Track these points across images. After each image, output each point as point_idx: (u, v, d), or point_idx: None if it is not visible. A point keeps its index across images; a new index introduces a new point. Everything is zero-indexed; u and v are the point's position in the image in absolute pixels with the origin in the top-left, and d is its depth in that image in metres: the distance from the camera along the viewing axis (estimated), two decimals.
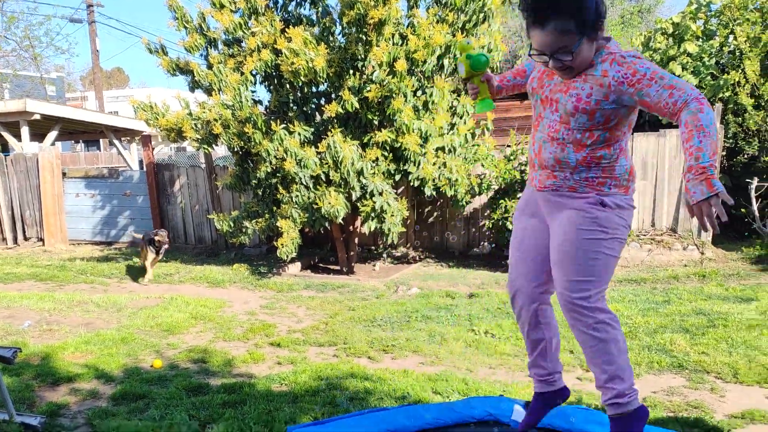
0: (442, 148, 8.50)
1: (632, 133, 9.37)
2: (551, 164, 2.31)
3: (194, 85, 8.77)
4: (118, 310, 7.06)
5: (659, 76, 2.04)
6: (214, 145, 8.85)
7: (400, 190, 9.73)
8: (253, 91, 8.60)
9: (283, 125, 8.04)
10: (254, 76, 8.59)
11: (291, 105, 8.66)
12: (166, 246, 8.70)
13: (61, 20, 63.27)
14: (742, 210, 9.32)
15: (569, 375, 4.65)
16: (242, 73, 8.29)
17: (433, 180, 8.29)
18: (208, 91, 8.64)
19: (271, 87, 8.75)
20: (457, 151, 8.63)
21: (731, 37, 10.12)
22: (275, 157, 7.96)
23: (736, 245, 9.22)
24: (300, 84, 8.15)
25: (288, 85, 8.48)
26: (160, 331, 6.17)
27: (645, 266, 8.42)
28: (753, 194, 9.01)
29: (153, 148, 12.26)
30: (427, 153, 8.17)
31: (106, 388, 4.62)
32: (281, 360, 5.21)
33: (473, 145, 9.01)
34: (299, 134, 8.07)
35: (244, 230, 8.61)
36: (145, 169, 12.02)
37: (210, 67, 8.63)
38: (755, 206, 9.04)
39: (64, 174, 12.69)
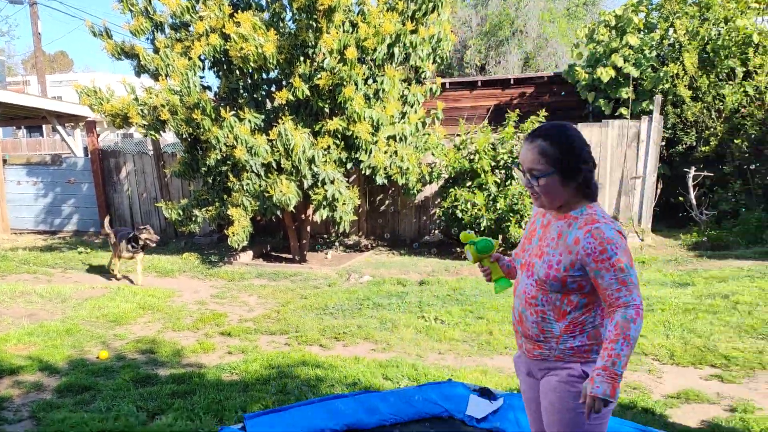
0: (394, 137, 8.56)
1: (576, 124, 9.62)
2: (535, 334, 2.27)
3: (140, 70, 8.56)
4: (62, 300, 6.89)
5: (620, 269, 2.05)
6: (161, 132, 8.68)
7: (351, 179, 9.76)
8: (201, 77, 8.45)
9: (233, 112, 7.95)
10: (203, 61, 8.45)
11: (241, 91, 8.55)
12: (153, 246, 8.02)
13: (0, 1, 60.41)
14: (680, 198, 9.73)
15: None
16: (190, 58, 8.13)
17: (385, 168, 8.35)
18: (155, 76, 8.45)
19: (221, 73, 8.62)
20: (408, 139, 8.71)
21: (671, 30, 10.46)
22: (225, 144, 7.87)
23: (675, 232, 9.62)
24: (250, 70, 8.05)
25: (238, 71, 8.37)
26: (106, 322, 6.06)
27: None
28: (690, 183, 9.40)
29: (98, 135, 11.92)
30: (378, 141, 8.21)
31: (51, 380, 4.53)
32: (232, 349, 5.20)
33: (424, 134, 9.10)
34: (250, 121, 7.99)
35: (193, 219, 8.49)
36: (89, 156, 11.68)
37: (156, 51, 8.43)
38: (692, 195, 9.43)
39: (4, 161, 12.24)
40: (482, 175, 8.53)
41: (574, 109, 11.45)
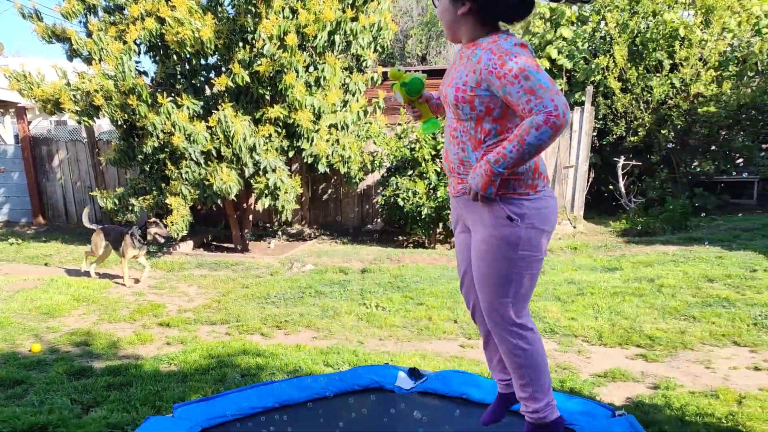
0: (335, 125, 8.57)
1: None
2: (456, 166, 2.27)
3: (73, 54, 8.25)
4: None
5: (524, 76, 1.96)
6: (95, 118, 8.41)
7: (294, 167, 9.72)
8: (137, 62, 8.22)
9: (171, 98, 7.78)
10: (138, 45, 8.21)
11: (179, 77, 8.37)
12: (162, 242, 7.54)
13: None
14: (611, 187, 10.14)
15: (452, 342, 4.95)
16: (125, 42, 7.89)
17: (327, 157, 8.36)
18: (88, 61, 8.17)
19: (158, 58, 8.40)
20: (350, 128, 8.74)
21: (603, 22, 10.82)
22: (162, 131, 7.70)
23: (605, 220, 10.03)
24: (187, 55, 7.90)
25: (175, 57, 8.18)
26: (39, 315, 5.88)
27: None
28: (620, 172, 9.80)
29: (29, 122, 11.44)
30: (320, 130, 8.21)
31: None
32: (171, 340, 5.15)
33: (366, 123, 9.15)
34: (188, 108, 7.83)
35: (130, 208, 8.29)
36: (20, 143, 11.20)
37: (90, 35, 8.15)
38: (622, 183, 9.84)
39: None
40: (423, 164, 8.66)
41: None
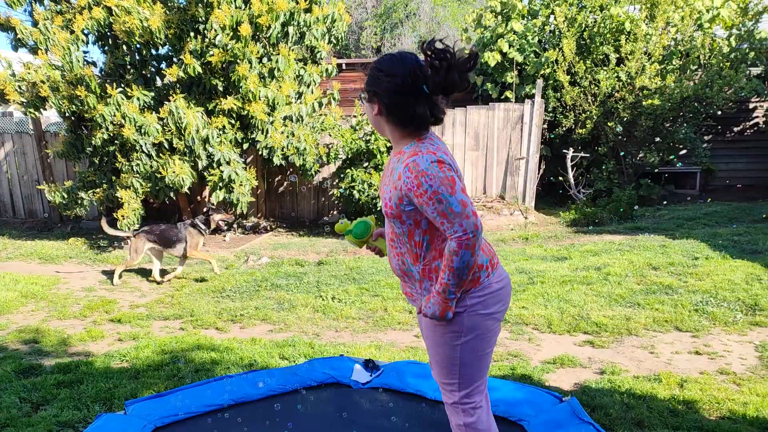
0: (290, 117, 8.53)
1: (465, 107, 9.90)
2: (401, 275, 2.33)
3: (18, 44, 7.99)
4: None
5: (437, 199, 2.03)
6: (42, 110, 8.17)
7: (249, 159, 9.63)
8: (85, 52, 8.03)
9: (121, 89, 7.61)
10: (86, 35, 8.00)
11: (128, 68, 8.18)
12: (225, 229, 7.09)
13: None
14: (561, 178, 10.38)
15: (408, 333, 5.02)
16: (73, 32, 7.68)
17: (282, 149, 8.31)
18: (34, 51, 7.92)
19: (106, 48, 8.20)
20: (305, 120, 8.71)
21: (552, 17, 11.01)
22: (112, 123, 7.53)
23: (555, 210, 10.28)
24: (137, 45, 7.74)
25: (125, 47, 7.99)
26: None
27: None
28: (569, 163, 10.04)
29: None
30: (274, 121, 8.16)
31: None
32: (122, 336, 5.07)
33: (321, 115, 9.13)
34: (138, 99, 7.68)
35: (79, 202, 8.10)
36: None
37: (35, 24, 7.90)
38: (571, 175, 10.09)
39: None
40: (378, 156, 8.70)
41: (463, 92, 11.82)
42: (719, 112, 10.46)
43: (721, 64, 9.99)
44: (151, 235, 6.84)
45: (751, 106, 11.29)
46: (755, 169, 11.36)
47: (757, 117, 11.30)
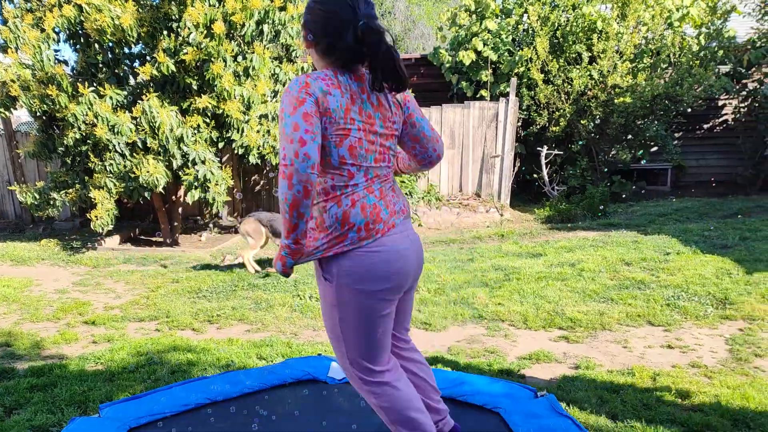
0: (266, 116, 8.49)
1: (441, 105, 9.95)
2: None
3: None
4: None
5: (280, 118, 1.94)
6: (12, 109, 8.04)
7: (224, 158, 9.57)
8: (56, 50, 7.92)
9: (93, 88, 7.51)
10: (57, 33, 7.86)
11: (101, 66, 8.07)
12: None
13: None
14: (535, 176, 10.49)
15: None
16: (43, 30, 7.55)
17: (258, 148, 8.27)
18: (4, 49, 7.78)
19: (78, 46, 8.07)
20: None
21: (525, 15, 11.11)
22: (84, 122, 7.43)
23: (530, 207, 10.39)
24: (109, 44, 7.63)
25: (97, 45, 7.88)
26: None
27: (454, 228, 9.20)
28: (543, 161, 10.15)
29: None
30: (250, 120, 8.11)
31: None
32: (97, 338, 5.02)
33: None
34: (111, 98, 7.58)
35: (52, 202, 7.97)
36: None
37: (5, 22, 7.75)
38: (545, 172, 10.20)
39: None
40: None
41: (439, 91, 11.91)
42: (689, 110, 10.66)
43: (691, 63, 10.17)
44: (263, 221, 6.76)
45: (720, 103, 11.52)
46: (724, 166, 11.59)
47: (726, 114, 11.53)
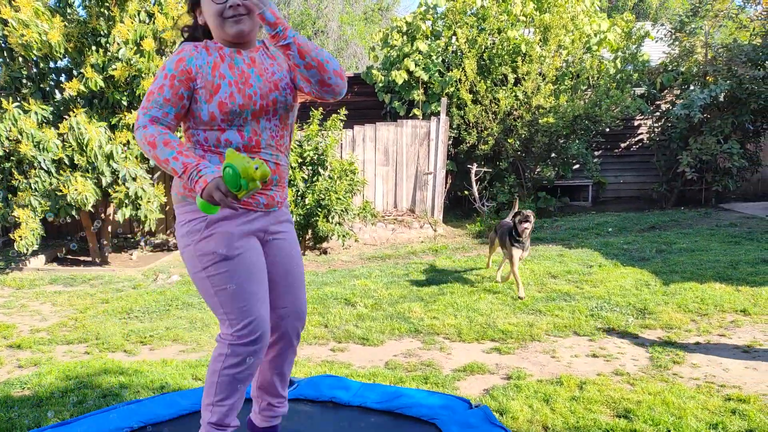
0: None
1: (374, 123, 10.11)
2: None
3: None
4: None
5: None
6: None
7: (156, 175, 9.38)
8: None
9: (17, 103, 7.25)
10: None
11: (25, 81, 7.81)
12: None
13: None
14: (466, 192, 10.81)
15: (323, 347, 5.09)
16: None
17: None
18: None
19: (1, 60, 7.78)
20: None
21: (454, 38, 11.48)
22: (8, 138, 7.16)
23: (462, 222, 10.68)
24: (34, 58, 7.40)
25: (21, 59, 7.62)
26: None
27: (390, 244, 9.36)
28: (473, 178, 10.47)
29: None
30: (182, 137, 8.01)
31: None
32: (23, 363, 4.83)
33: None
34: (36, 113, 7.34)
35: None
36: None
37: None
38: (475, 188, 10.52)
39: None
40: (290, 172, 8.74)
41: (373, 109, 12.09)
42: (608, 130, 11.28)
43: (608, 85, 10.77)
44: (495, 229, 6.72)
45: (636, 123, 12.24)
46: (641, 182, 12.31)
47: (641, 134, 12.26)
